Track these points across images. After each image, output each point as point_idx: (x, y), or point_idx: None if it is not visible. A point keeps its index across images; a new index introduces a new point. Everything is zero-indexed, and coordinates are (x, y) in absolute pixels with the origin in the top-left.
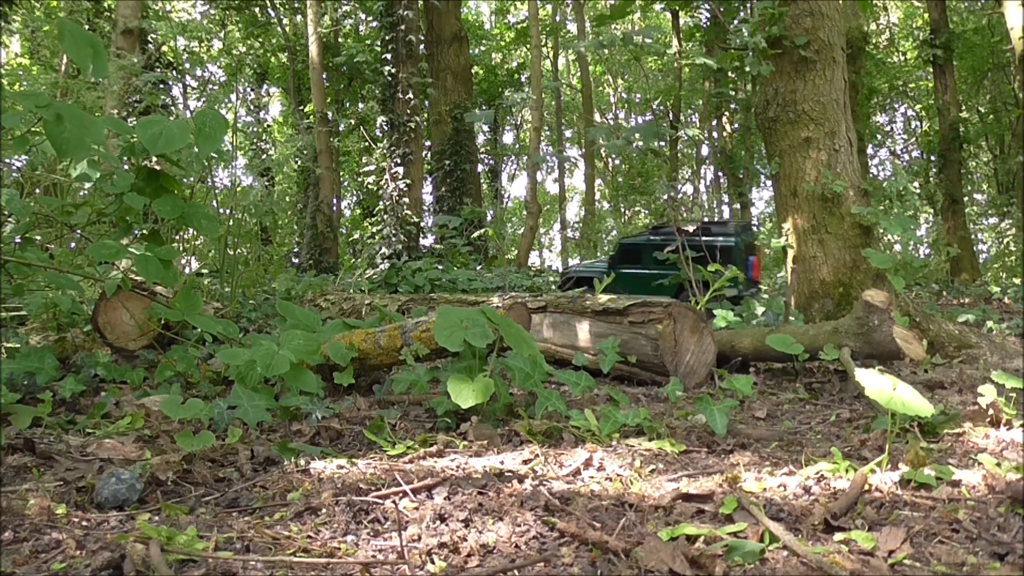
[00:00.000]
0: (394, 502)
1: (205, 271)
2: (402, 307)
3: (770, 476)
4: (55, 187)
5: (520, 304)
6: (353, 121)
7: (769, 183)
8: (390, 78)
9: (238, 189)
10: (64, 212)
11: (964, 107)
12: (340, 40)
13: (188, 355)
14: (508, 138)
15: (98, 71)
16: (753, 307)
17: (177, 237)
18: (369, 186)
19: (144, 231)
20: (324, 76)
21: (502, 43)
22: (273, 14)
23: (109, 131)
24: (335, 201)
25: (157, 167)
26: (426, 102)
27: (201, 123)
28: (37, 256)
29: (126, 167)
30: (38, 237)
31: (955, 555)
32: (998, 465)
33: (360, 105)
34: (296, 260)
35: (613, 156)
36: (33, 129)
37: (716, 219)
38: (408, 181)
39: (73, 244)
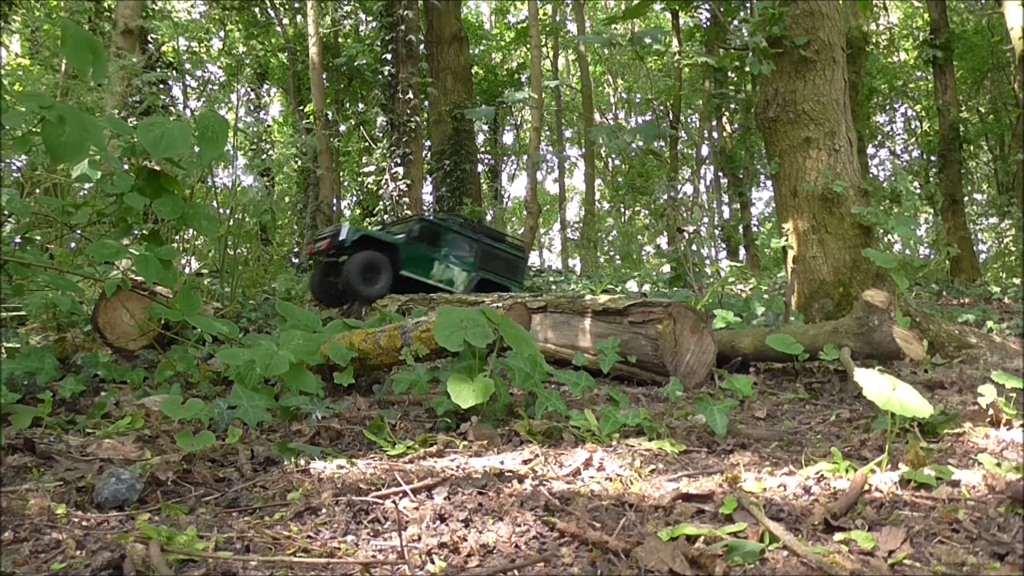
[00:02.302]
0: (394, 502)
1: (205, 271)
2: (402, 307)
3: (770, 476)
4: (55, 187)
5: (520, 304)
6: (353, 121)
7: (769, 183)
8: (390, 78)
9: (238, 189)
10: (64, 212)
11: (964, 107)
12: (340, 40)
13: (188, 355)
14: (508, 138)
15: (97, 75)
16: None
17: (177, 237)
18: (369, 186)
19: (144, 231)
20: (324, 76)
21: (502, 43)
22: (273, 14)
23: (110, 132)
24: (335, 201)
25: (157, 167)
26: (426, 102)
27: (204, 127)
28: (36, 257)
29: (126, 167)
30: (38, 237)
31: (955, 555)
32: (998, 465)
33: (360, 105)
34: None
35: (613, 156)
36: (34, 129)
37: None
38: (408, 181)
39: (73, 244)
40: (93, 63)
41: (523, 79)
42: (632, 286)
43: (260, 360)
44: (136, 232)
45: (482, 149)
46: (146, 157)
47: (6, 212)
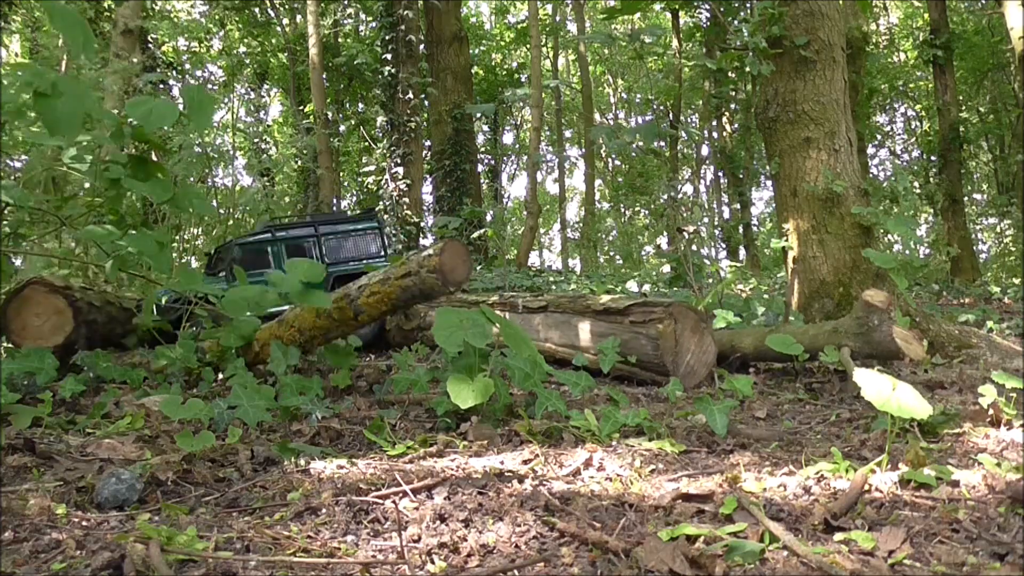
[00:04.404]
0: (394, 502)
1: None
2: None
3: (770, 476)
4: (54, 183)
5: (453, 240)
6: (353, 121)
7: (769, 183)
8: (390, 78)
9: (238, 189)
10: (57, 207)
11: (964, 107)
12: (340, 40)
13: (189, 346)
14: (508, 138)
15: (88, 51)
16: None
17: (177, 237)
18: (369, 186)
19: (138, 225)
20: (324, 76)
21: (502, 43)
22: (273, 14)
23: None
24: (335, 201)
25: (144, 155)
26: (426, 102)
27: (189, 98)
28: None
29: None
30: (35, 237)
31: (955, 555)
32: (998, 465)
33: (360, 105)
34: None
35: (613, 156)
36: (28, 105)
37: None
38: (408, 181)
39: (74, 244)
40: (83, 39)
41: (523, 79)
42: (632, 286)
43: (276, 282)
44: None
45: (482, 149)
46: (141, 143)
47: (5, 201)
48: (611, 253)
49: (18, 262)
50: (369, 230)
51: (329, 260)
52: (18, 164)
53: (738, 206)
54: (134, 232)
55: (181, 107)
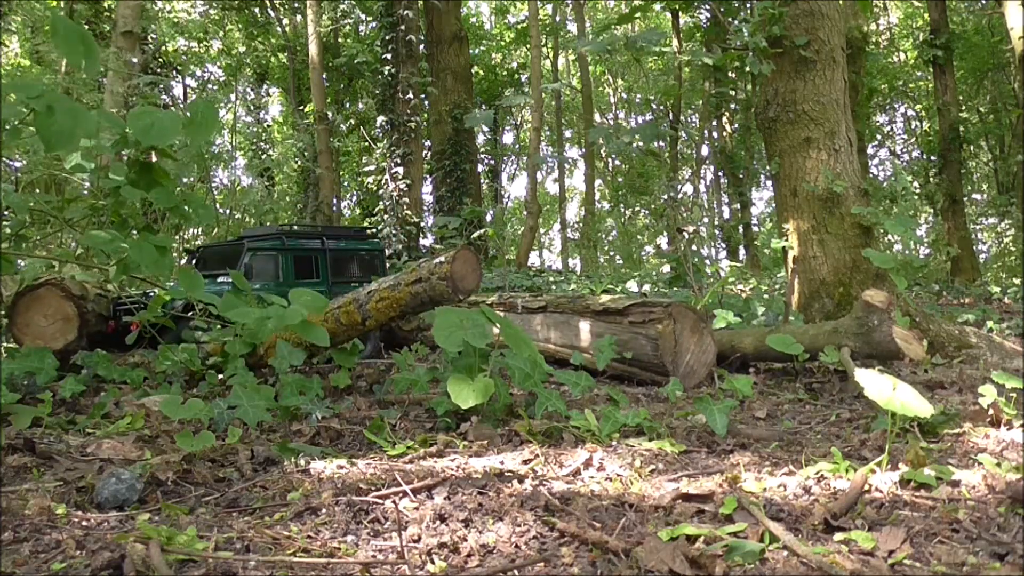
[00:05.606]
0: (394, 502)
1: None
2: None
3: (770, 476)
4: (56, 185)
5: (465, 249)
6: (353, 121)
7: (769, 183)
8: (390, 78)
9: (238, 189)
10: (60, 208)
11: (964, 107)
12: (340, 40)
13: (191, 347)
14: (508, 138)
15: (90, 67)
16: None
17: (177, 237)
18: (369, 186)
19: (140, 228)
20: (324, 76)
21: (502, 43)
22: (273, 14)
23: (106, 127)
24: (335, 201)
25: (149, 161)
26: (426, 102)
27: (193, 114)
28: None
29: (122, 157)
30: (37, 237)
31: (955, 555)
32: (998, 465)
33: (360, 105)
34: None
35: (613, 156)
36: (26, 120)
37: None
38: (408, 181)
39: (75, 244)
40: (85, 56)
41: (523, 79)
42: (632, 286)
43: (275, 315)
44: (135, 232)
45: (482, 149)
46: (145, 153)
47: (4, 207)
48: (611, 253)
49: (21, 264)
50: (374, 251)
51: (333, 279)
52: (18, 164)
53: (738, 206)
54: (136, 234)
55: (184, 114)
